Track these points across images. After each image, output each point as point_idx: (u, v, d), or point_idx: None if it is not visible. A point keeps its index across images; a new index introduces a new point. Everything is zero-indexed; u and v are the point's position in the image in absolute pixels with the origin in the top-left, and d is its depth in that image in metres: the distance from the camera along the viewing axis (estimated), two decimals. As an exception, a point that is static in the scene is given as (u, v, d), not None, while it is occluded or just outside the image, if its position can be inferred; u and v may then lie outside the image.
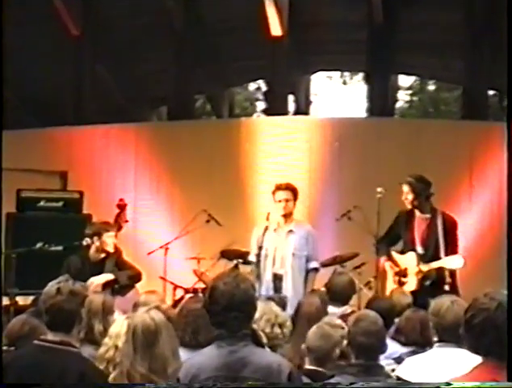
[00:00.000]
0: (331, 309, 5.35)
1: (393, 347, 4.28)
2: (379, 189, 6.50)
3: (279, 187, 6.48)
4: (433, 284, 6.09)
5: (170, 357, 3.27)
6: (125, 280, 5.94)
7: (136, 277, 6.13)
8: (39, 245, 6.92)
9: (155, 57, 11.98)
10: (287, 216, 6.42)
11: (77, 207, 8.11)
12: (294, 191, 6.47)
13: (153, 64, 12.28)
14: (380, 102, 11.30)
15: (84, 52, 10.83)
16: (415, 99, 18.99)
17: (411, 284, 6.15)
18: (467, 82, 11.30)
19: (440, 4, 10.89)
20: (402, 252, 6.37)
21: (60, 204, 8.10)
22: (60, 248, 6.86)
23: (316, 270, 6.54)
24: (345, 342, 3.75)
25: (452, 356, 3.63)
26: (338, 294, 5.45)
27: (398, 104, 16.21)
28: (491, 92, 13.20)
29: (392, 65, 11.75)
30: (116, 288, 5.98)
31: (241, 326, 2.96)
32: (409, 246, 6.28)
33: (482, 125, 9.74)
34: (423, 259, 6.20)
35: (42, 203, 8.05)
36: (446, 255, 6.14)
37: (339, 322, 4.24)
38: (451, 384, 2.51)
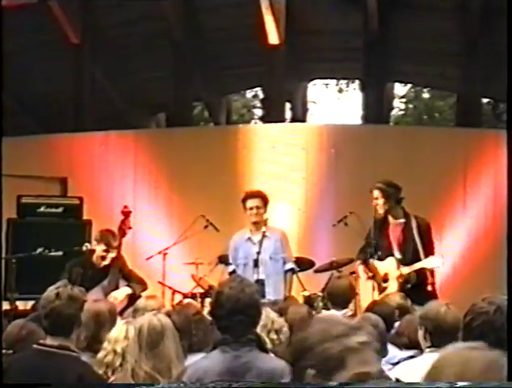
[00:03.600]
0: (333, 312, 5.47)
1: (392, 352, 4.26)
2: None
3: (248, 195, 6.57)
4: (413, 287, 6.22)
5: (175, 359, 3.33)
6: (139, 292, 5.99)
7: (145, 288, 6.20)
8: (39, 250, 6.94)
9: (154, 65, 12.03)
10: (259, 223, 6.50)
11: (76, 213, 8.18)
12: (264, 199, 6.56)
13: (151, 71, 12.33)
14: (376, 109, 11.39)
15: (83, 59, 10.88)
16: (410, 106, 19.07)
17: (392, 288, 6.26)
18: (461, 89, 11.40)
19: (435, 12, 10.99)
20: (380, 259, 6.47)
21: (60, 209, 8.16)
22: (60, 253, 6.90)
23: (292, 270, 6.65)
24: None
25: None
26: (339, 298, 5.54)
27: (393, 112, 16.28)
28: (485, 100, 13.30)
29: (387, 73, 11.84)
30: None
31: (245, 331, 3.00)
32: (387, 252, 6.40)
33: (476, 132, 9.83)
34: (402, 262, 6.32)
35: (42, 209, 8.11)
36: (425, 256, 6.28)
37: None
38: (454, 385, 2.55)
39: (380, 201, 6.41)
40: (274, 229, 6.73)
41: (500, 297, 2.56)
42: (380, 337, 3.62)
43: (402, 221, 6.43)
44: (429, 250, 6.35)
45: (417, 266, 6.26)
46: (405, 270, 6.27)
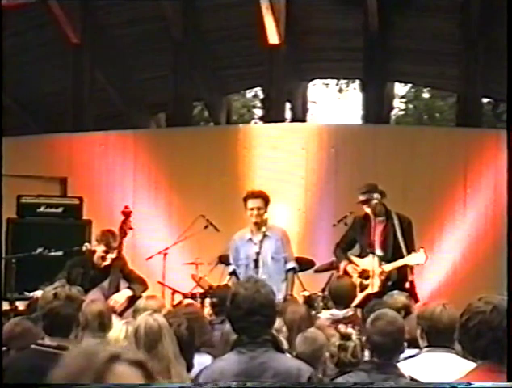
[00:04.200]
0: (334, 311, 5.48)
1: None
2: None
3: (250, 195, 6.54)
4: (394, 284, 6.26)
5: (173, 359, 3.33)
6: (140, 292, 5.97)
7: (145, 288, 6.19)
8: (39, 250, 6.95)
9: (154, 65, 12.04)
10: (260, 223, 6.48)
11: (76, 213, 8.19)
12: (265, 199, 6.52)
13: (151, 71, 12.33)
14: (376, 109, 11.38)
15: (83, 59, 10.88)
16: (410, 106, 19.07)
17: (375, 285, 6.30)
18: (461, 89, 11.39)
19: (435, 12, 11.00)
20: (361, 256, 6.56)
21: (59, 209, 8.17)
22: (60, 253, 6.91)
23: (293, 270, 6.65)
24: (334, 345, 3.83)
25: (443, 361, 3.62)
26: (341, 297, 5.55)
27: (393, 112, 16.27)
28: (485, 100, 13.29)
29: (387, 73, 11.84)
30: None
31: (261, 332, 3.00)
32: (368, 250, 6.48)
33: (476, 132, 9.83)
34: (383, 259, 6.40)
35: (42, 209, 8.12)
36: (407, 253, 6.34)
37: (327, 324, 4.32)
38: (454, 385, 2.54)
39: (368, 209, 6.59)
40: (274, 228, 6.73)
41: (496, 297, 2.55)
42: (398, 334, 3.61)
43: (383, 218, 6.55)
44: (410, 247, 6.42)
45: (400, 262, 6.34)
46: (388, 267, 6.34)
